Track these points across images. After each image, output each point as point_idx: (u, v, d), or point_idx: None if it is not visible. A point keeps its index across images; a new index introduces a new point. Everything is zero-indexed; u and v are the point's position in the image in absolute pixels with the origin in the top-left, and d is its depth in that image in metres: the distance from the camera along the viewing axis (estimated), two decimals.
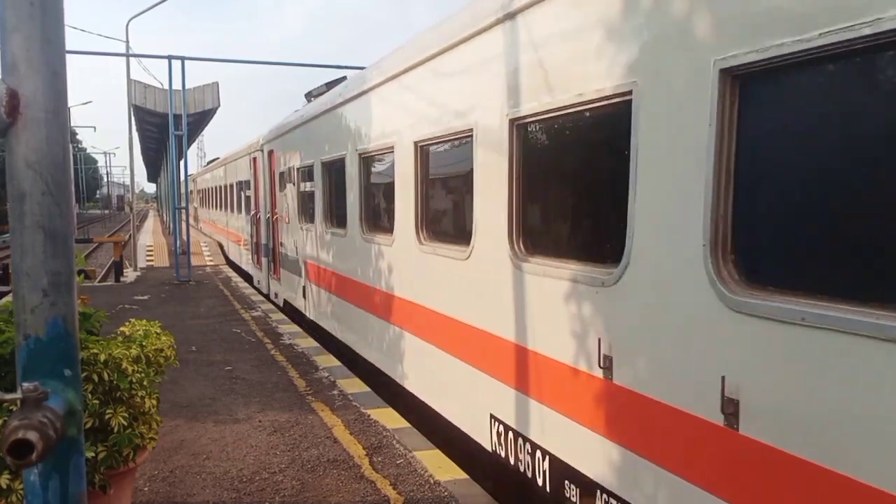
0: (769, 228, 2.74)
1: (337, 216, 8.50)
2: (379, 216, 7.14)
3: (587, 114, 3.77)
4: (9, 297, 10.88)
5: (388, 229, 6.58)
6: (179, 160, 19.04)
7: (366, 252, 7.26)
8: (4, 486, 3.07)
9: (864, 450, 2.30)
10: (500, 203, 4.50)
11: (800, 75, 2.57)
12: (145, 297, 13.78)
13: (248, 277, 16.70)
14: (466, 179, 5.04)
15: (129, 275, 18.35)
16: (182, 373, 7.44)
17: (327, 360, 8.33)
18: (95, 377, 3.52)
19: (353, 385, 7.25)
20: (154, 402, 3.84)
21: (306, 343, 9.38)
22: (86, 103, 53.69)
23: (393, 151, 6.38)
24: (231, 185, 19.62)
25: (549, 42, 3.99)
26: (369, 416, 6.23)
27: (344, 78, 9.80)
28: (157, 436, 3.93)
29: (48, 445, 1.32)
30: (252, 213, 15.11)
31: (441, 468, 5.07)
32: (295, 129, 10.60)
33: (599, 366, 3.60)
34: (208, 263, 20.99)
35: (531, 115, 4.15)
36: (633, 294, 3.36)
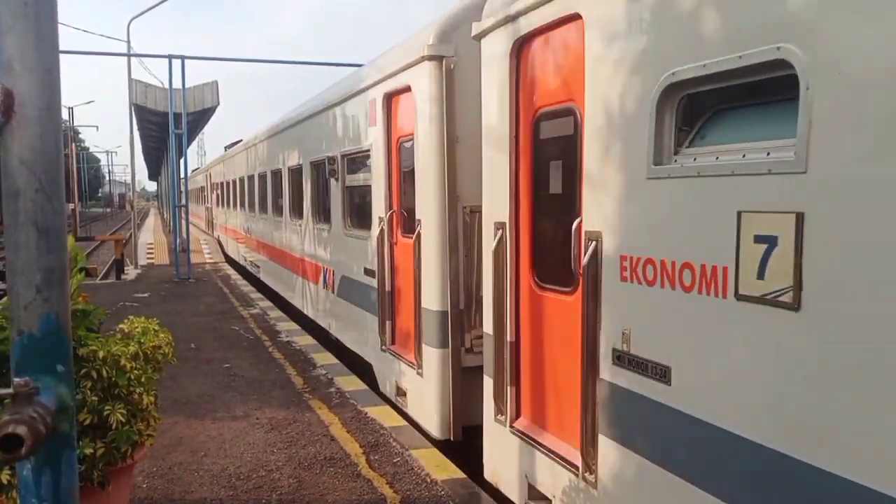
0: None
1: (228, 203, 20.75)
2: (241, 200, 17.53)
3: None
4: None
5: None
6: (179, 158, 19.07)
7: (227, 215, 21.33)
8: (5, 482, 3.09)
9: None
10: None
11: None
12: (145, 295, 13.80)
13: (238, 270, 16.92)
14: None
15: (130, 272, 18.39)
16: (181, 370, 7.46)
17: (325, 358, 8.35)
18: (94, 374, 3.53)
19: (351, 383, 7.26)
20: (152, 399, 3.85)
21: (304, 341, 9.40)
22: (88, 103, 53.87)
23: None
24: (200, 188, 33.92)
25: None
26: (366, 414, 6.24)
27: (240, 140, 19.00)
28: (156, 433, 3.95)
29: (38, 440, 1.33)
30: (205, 204, 32.00)
31: (438, 467, 5.09)
32: (214, 166, 25.86)
33: None
34: (208, 261, 21.02)
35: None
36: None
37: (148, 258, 22.53)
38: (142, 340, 4.01)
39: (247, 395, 6.84)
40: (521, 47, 4.05)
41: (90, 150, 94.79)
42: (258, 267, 15.18)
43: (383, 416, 6.19)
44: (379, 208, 6.61)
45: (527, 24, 3.89)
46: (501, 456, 4.43)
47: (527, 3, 3.82)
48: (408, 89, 5.79)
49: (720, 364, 2.66)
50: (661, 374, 2.94)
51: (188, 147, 17.51)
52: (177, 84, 16.49)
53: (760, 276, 2.43)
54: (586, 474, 3.49)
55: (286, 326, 10.45)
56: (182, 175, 21.51)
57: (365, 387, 7.12)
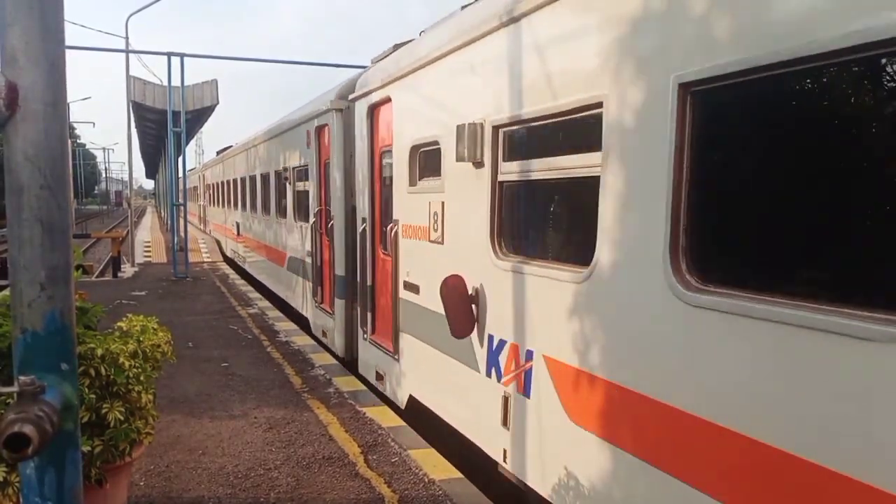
0: None
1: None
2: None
3: None
4: (6, 291, 10.81)
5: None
6: (178, 157, 19.00)
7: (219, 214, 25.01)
8: (1, 479, 3.07)
9: None
10: None
11: None
12: (143, 293, 13.76)
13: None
14: None
15: (127, 270, 18.32)
16: (179, 369, 7.42)
17: (323, 358, 8.33)
18: (92, 372, 3.51)
19: (349, 383, 7.25)
20: (150, 397, 3.84)
21: (302, 340, 9.37)
22: (85, 99, 53.72)
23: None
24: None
25: None
26: (364, 414, 6.23)
27: (230, 145, 22.46)
28: (154, 431, 3.93)
29: (44, 439, 1.31)
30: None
31: (436, 467, 5.08)
32: (201, 171, 34.53)
33: None
34: (205, 260, 20.97)
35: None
36: None
37: (145, 256, 22.47)
38: (140, 338, 3.99)
39: (245, 394, 6.81)
40: (372, 111, 6.87)
41: (86, 147, 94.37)
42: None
43: (381, 416, 6.17)
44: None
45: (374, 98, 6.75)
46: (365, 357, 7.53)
47: (371, 87, 6.71)
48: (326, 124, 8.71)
49: (436, 276, 4.99)
50: (417, 289, 5.78)
51: (186, 145, 17.48)
52: (175, 82, 16.44)
53: (434, 229, 5.28)
54: (395, 355, 6.38)
55: (284, 326, 10.43)
56: (181, 173, 21.43)
57: (363, 387, 7.10)
